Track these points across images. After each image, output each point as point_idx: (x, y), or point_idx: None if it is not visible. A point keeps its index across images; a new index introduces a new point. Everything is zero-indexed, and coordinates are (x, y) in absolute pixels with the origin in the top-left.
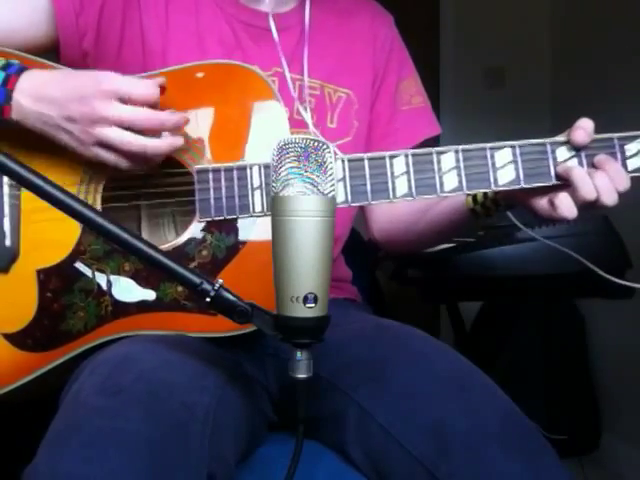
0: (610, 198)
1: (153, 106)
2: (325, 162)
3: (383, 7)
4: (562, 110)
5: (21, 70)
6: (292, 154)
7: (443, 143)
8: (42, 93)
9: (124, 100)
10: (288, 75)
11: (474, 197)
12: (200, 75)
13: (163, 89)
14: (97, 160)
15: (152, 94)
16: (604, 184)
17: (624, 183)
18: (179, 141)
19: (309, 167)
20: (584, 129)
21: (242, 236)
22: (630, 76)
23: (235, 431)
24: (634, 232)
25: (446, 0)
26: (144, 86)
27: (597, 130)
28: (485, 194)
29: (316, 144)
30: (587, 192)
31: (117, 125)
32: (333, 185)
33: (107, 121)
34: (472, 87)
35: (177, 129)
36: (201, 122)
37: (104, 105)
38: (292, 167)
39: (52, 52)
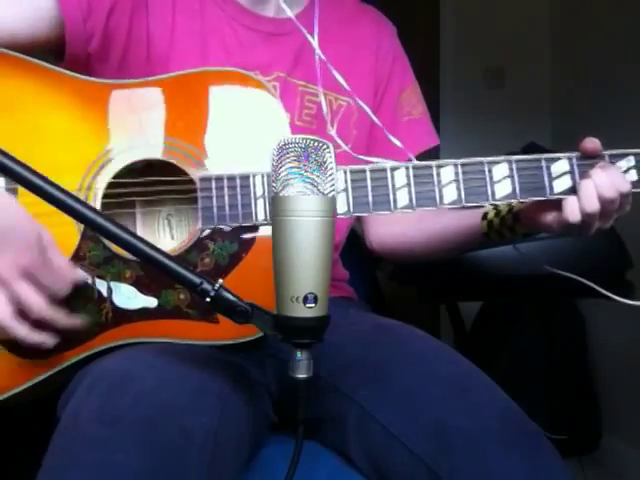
0: (610, 191)
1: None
2: (325, 162)
3: (384, 11)
4: (562, 110)
5: None
6: (292, 154)
7: (443, 143)
8: None
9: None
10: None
11: (490, 223)
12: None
13: None
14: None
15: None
16: (602, 180)
17: (624, 183)
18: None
19: (309, 167)
20: (592, 141)
21: (245, 244)
22: (630, 76)
23: (237, 445)
24: (634, 232)
25: (446, 1)
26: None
27: (598, 130)
28: (502, 220)
29: (316, 144)
30: (589, 202)
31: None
32: (333, 185)
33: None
34: (472, 87)
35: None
36: (200, 128)
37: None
38: (292, 167)
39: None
